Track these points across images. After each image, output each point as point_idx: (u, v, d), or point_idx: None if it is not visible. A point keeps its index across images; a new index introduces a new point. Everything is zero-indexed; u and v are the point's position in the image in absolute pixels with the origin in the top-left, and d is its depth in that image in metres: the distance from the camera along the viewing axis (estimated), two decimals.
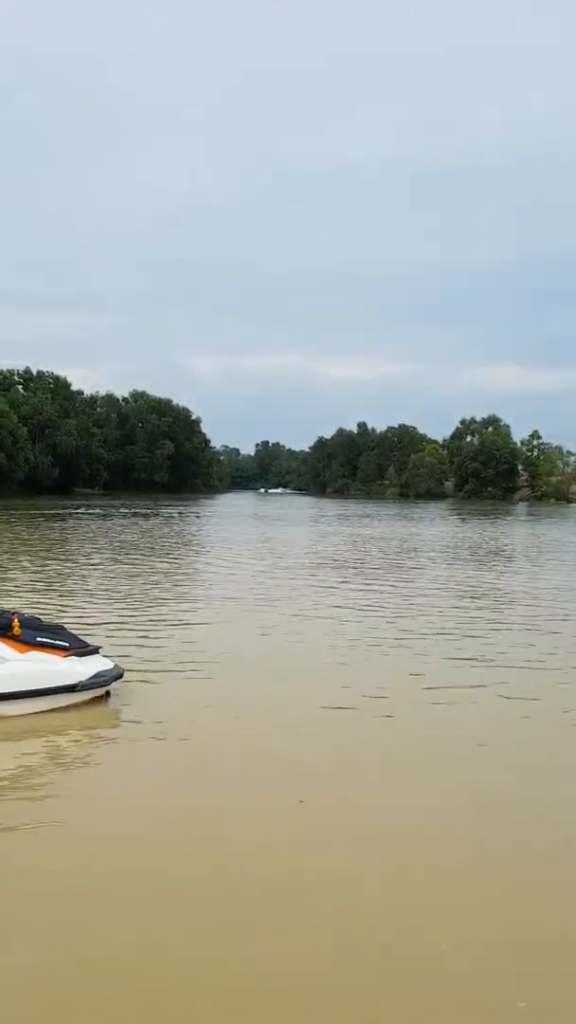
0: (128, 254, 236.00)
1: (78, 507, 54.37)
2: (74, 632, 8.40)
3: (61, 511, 48.09)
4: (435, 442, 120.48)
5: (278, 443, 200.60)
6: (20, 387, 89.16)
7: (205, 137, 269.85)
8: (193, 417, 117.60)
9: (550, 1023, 3.54)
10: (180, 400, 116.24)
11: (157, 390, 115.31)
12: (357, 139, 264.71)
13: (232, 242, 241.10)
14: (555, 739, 7.32)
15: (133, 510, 52.42)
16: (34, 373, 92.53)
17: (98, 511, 49.81)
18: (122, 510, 52.10)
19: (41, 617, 8.81)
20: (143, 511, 51.36)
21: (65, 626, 8.58)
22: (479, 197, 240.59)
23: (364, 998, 3.60)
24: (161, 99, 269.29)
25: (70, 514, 45.35)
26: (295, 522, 46.27)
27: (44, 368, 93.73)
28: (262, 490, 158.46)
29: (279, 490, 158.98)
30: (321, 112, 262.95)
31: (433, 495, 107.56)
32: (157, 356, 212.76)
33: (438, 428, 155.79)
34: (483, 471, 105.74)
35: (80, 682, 7.58)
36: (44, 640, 7.67)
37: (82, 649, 7.91)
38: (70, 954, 3.88)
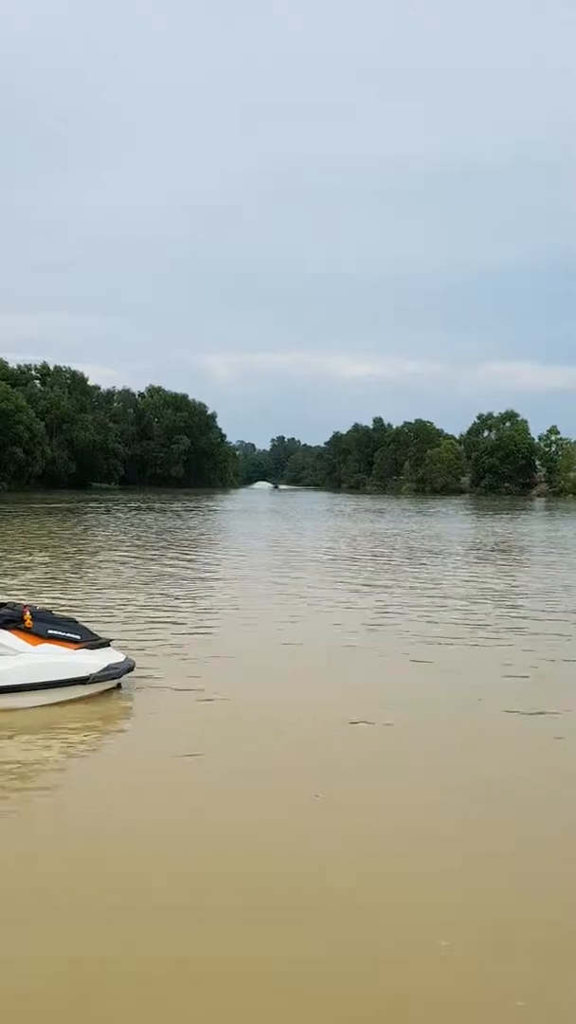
0: (139, 255, 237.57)
1: (96, 501, 54.63)
2: (86, 625, 8.45)
3: (76, 504, 48.33)
4: (452, 437, 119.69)
5: (294, 438, 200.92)
6: (37, 382, 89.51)
7: (210, 138, 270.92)
8: (209, 412, 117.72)
9: (550, 1023, 3.53)
10: (195, 397, 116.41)
11: (172, 387, 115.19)
12: (359, 139, 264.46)
13: (241, 242, 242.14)
14: (559, 741, 7.27)
15: (147, 504, 52.61)
16: (51, 368, 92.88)
17: (112, 505, 50.01)
18: (136, 504, 52.28)
19: (53, 610, 8.87)
20: (156, 505, 51.56)
21: (77, 619, 8.64)
22: (482, 198, 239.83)
23: (364, 998, 3.60)
24: (168, 100, 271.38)
25: (88, 508, 45.57)
26: (310, 518, 46.23)
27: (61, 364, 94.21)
28: (255, 486, 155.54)
29: (287, 486, 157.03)
30: (324, 112, 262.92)
31: (450, 490, 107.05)
32: (170, 354, 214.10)
33: (454, 424, 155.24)
34: (500, 467, 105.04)
35: (91, 675, 7.63)
36: (56, 633, 7.73)
37: (94, 642, 7.95)
38: (71, 952, 3.90)
